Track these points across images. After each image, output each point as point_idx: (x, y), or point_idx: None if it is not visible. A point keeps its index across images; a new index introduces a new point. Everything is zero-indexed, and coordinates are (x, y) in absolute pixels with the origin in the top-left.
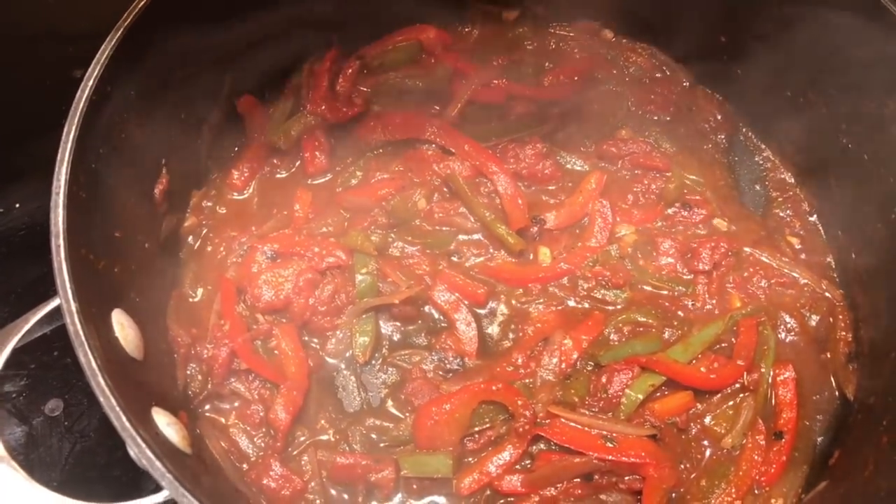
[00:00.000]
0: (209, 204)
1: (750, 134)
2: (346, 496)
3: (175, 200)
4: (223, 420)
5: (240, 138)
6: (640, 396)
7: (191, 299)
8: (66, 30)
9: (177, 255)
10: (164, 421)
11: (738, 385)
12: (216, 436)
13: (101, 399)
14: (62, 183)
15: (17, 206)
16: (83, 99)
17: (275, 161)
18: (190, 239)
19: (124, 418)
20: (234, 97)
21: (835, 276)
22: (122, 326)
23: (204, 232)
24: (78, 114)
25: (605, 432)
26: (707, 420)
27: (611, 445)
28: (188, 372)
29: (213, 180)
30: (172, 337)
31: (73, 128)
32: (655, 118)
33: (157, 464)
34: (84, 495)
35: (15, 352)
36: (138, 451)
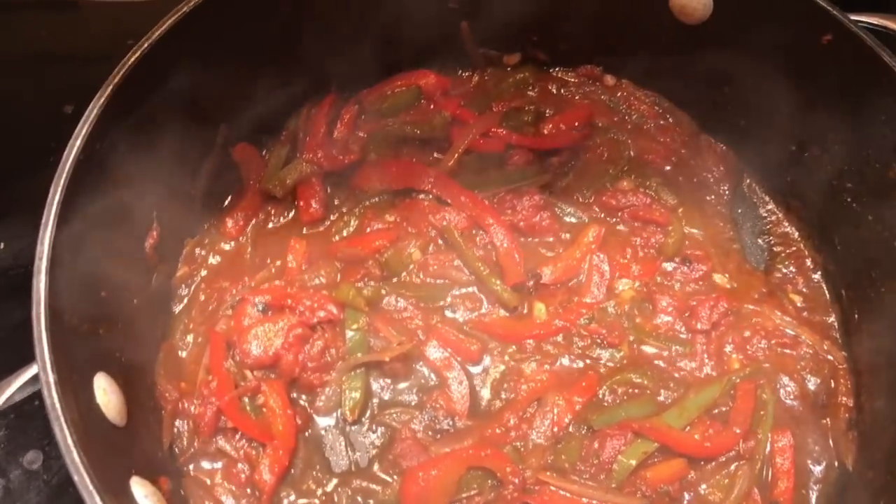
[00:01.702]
0: (202, 253)
1: (754, 186)
2: None
3: (166, 251)
4: (208, 480)
5: (234, 185)
6: (633, 463)
7: (180, 352)
8: (57, 60)
9: (167, 307)
10: (142, 492)
11: (733, 453)
12: (201, 496)
13: (76, 477)
14: (45, 248)
15: (2, 245)
16: (70, 159)
17: (270, 209)
18: (182, 289)
19: (97, 498)
20: (229, 145)
21: (837, 336)
22: (105, 392)
23: (196, 282)
24: (64, 175)
25: (595, 502)
26: (701, 489)
27: None
28: (175, 430)
29: (206, 229)
30: (160, 392)
31: (59, 190)
32: (657, 168)
33: None
34: None
35: None
36: None
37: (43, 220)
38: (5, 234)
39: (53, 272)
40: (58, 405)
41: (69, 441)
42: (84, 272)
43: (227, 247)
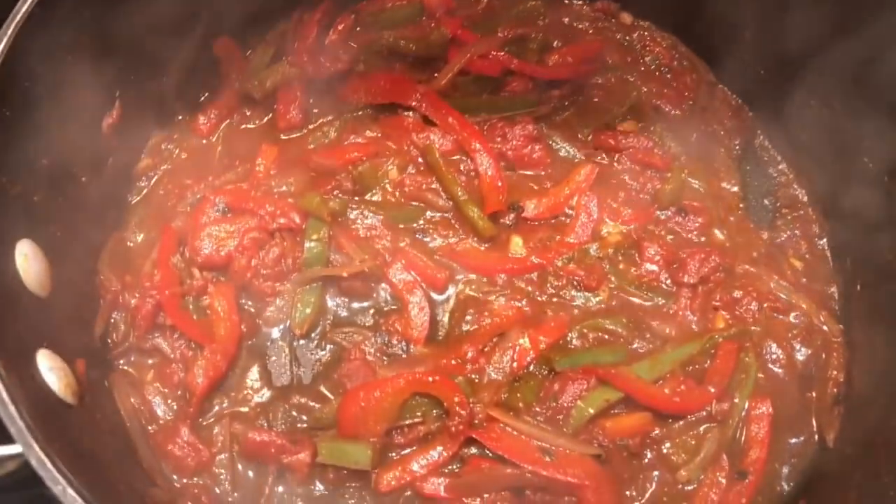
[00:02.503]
0: (169, 147)
1: (767, 143)
2: (254, 475)
3: (129, 138)
4: (139, 376)
5: (212, 82)
6: (592, 411)
7: (129, 244)
8: None
9: (123, 197)
10: (48, 365)
11: (704, 413)
12: (128, 391)
13: None
14: None
15: None
16: (23, 10)
17: (246, 111)
18: (142, 181)
19: None
20: (210, 37)
21: (836, 308)
22: (26, 258)
23: (158, 176)
24: (13, 25)
25: (545, 444)
26: (665, 447)
27: (548, 460)
28: (111, 320)
29: (177, 122)
30: (101, 281)
31: (5, 39)
32: (664, 114)
33: (11, 408)
34: None
35: None
36: None
37: None
38: None
39: None
40: None
41: None
42: (24, 132)
43: (196, 143)
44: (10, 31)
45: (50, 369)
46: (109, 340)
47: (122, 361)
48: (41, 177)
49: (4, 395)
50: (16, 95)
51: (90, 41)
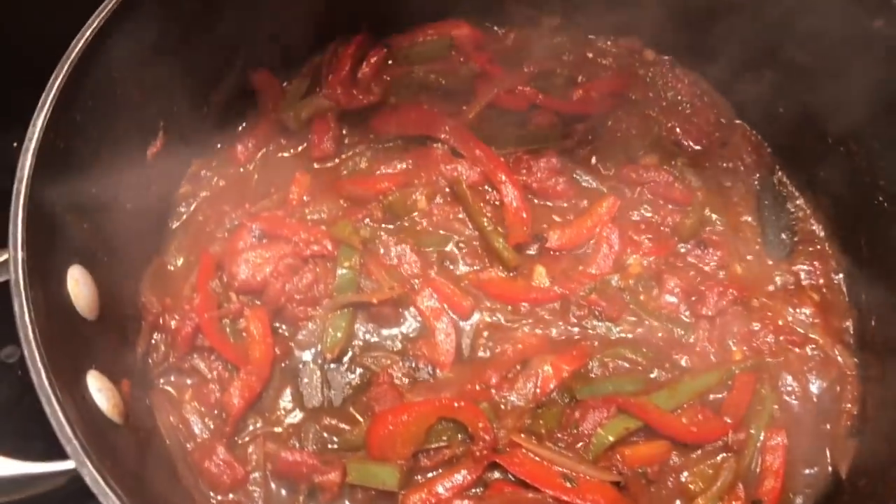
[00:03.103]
0: (207, 174)
1: (785, 179)
2: (286, 493)
3: (171, 166)
4: (178, 395)
5: (250, 112)
6: (612, 438)
7: (170, 268)
8: None
9: (164, 221)
10: (97, 385)
11: (721, 443)
12: (168, 410)
13: (25, 351)
14: (38, 129)
15: (15, 145)
16: (78, 46)
17: (282, 140)
18: (182, 207)
19: (44, 375)
20: (249, 69)
21: (851, 342)
22: (77, 283)
23: (197, 202)
24: (69, 61)
25: (566, 470)
26: (682, 476)
27: (570, 486)
28: (152, 340)
29: (216, 151)
30: (143, 303)
31: (62, 75)
32: (685, 149)
33: (66, 429)
34: (17, 449)
35: None
36: (51, 411)
37: (40, 101)
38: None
39: (43, 155)
40: (21, 282)
41: (26, 318)
42: (76, 163)
43: (233, 171)
44: (65, 68)
45: (99, 390)
46: (150, 360)
47: (162, 381)
48: (91, 204)
49: (60, 415)
50: (69, 128)
51: (139, 76)
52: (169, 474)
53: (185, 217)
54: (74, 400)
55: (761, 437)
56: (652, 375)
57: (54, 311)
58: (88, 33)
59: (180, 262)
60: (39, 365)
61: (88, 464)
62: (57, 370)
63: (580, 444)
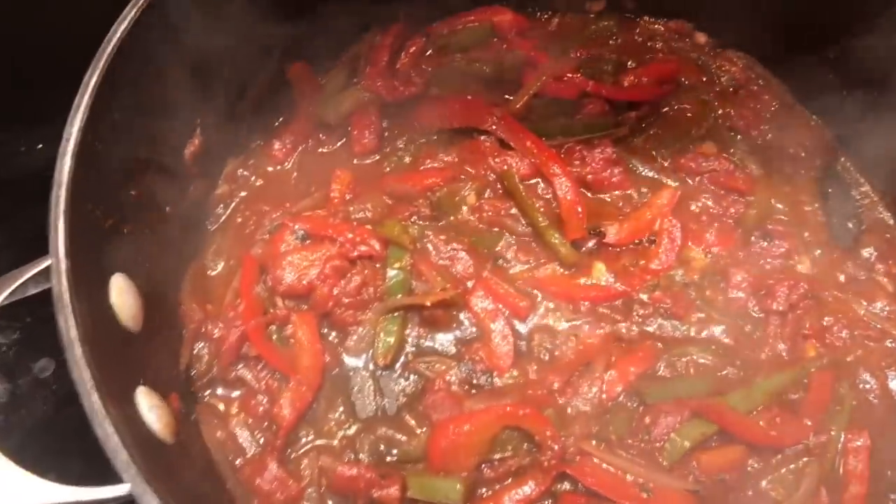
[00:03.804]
0: (245, 173)
1: (849, 164)
2: None
3: (208, 165)
4: (224, 408)
5: (286, 107)
6: (688, 444)
7: (210, 273)
8: None
9: (202, 224)
10: (147, 403)
11: (801, 446)
12: (214, 424)
13: (73, 371)
14: (75, 131)
15: (40, 146)
16: (112, 43)
17: (321, 136)
18: (220, 208)
19: (95, 396)
20: (285, 62)
21: None
22: (122, 292)
23: (235, 202)
24: (104, 58)
25: (641, 480)
26: (763, 483)
27: (646, 496)
28: (195, 351)
29: (252, 148)
30: (184, 311)
31: (97, 73)
32: (743, 135)
33: (123, 454)
34: (52, 469)
35: (11, 303)
36: (104, 435)
37: (75, 103)
38: (45, 136)
39: (81, 158)
40: (65, 294)
41: (72, 333)
42: (115, 165)
43: (271, 169)
44: (101, 64)
45: (150, 408)
46: (193, 372)
47: (207, 394)
48: (132, 209)
49: (116, 439)
50: (107, 128)
51: (174, 71)
52: (220, 493)
53: (223, 219)
54: (127, 421)
55: (842, 440)
56: (723, 374)
57: (100, 323)
58: (123, 27)
59: (220, 266)
60: (89, 385)
61: (149, 489)
62: (107, 389)
63: (653, 450)
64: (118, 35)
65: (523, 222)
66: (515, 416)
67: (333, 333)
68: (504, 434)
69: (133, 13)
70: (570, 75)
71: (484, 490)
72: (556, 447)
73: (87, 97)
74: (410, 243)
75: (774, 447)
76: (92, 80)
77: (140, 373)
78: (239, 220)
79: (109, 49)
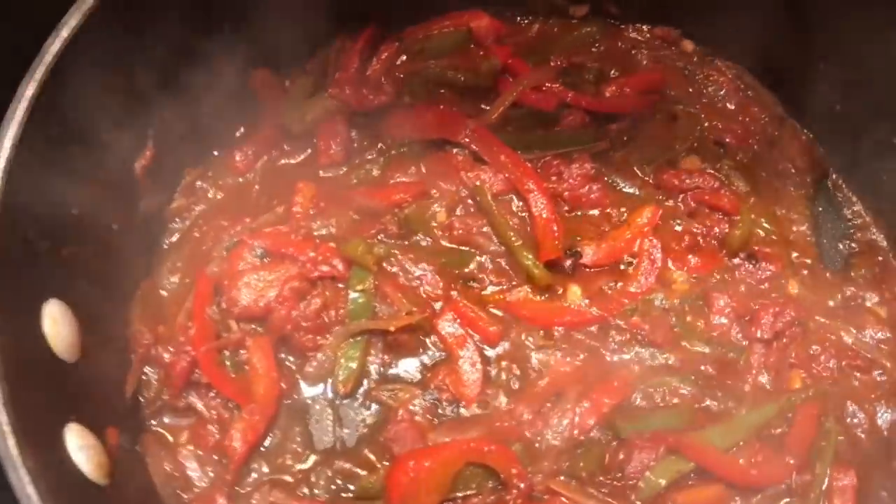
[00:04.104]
0: (203, 185)
1: (841, 183)
2: None
3: (162, 178)
4: (173, 438)
5: (249, 116)
6: (663, 482)
7: (163, 292)
8: None
9: (156, 239)
10: (76, 443)
11: (783, 486)
12: (161, 456)
13: None
14: (7, 146)
15: None
16: (51, 50)
17: (285, 146)
18: (175, 223)
19: (11, 441)
20: (247, 68)
21: None
22: (54, 322)
23: (192, 217)
24: (42, 67)
25: None
26: None
27: None
28: (143, 378)
29: (212, 159)
30: (132, 334)
31: (35, 82)
32: (730, 150)
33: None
34: None
35: None
36: (18, 483)
37: (7, 114)
38: None
39: (14, 173)
40: None
41: None
42: (53, 182)
43: (231, 182)
44: (37, 74)
45: (80, 448)
46: (141, 398)
47: (154, 422)
48: (71, 229)
49: (30, 490)
50: (44, 143)
51: (119, 78)
52: None
53: (178, 234)
54: (48, 466)
55: (827, 478)
56: (703, 404)
57: (27, 357)
58: (63, 33)
59: (174, 284)
60: (6, 428)
61: None
62: (29, 432)
63: (626, 488)
64: (58, 41)
65: (496, 241)
66: (480, 453)
67: (291, 359)
68: (468, 470)
69: (74, 19)
70: (549, 85)
71: None
72: (522, 485)
73: (21, 110)
74: (375, 264)
75: (755, 487)
76: (27, 91)
77: (72, 408)
78: (196, 235)
79: (48, 56)
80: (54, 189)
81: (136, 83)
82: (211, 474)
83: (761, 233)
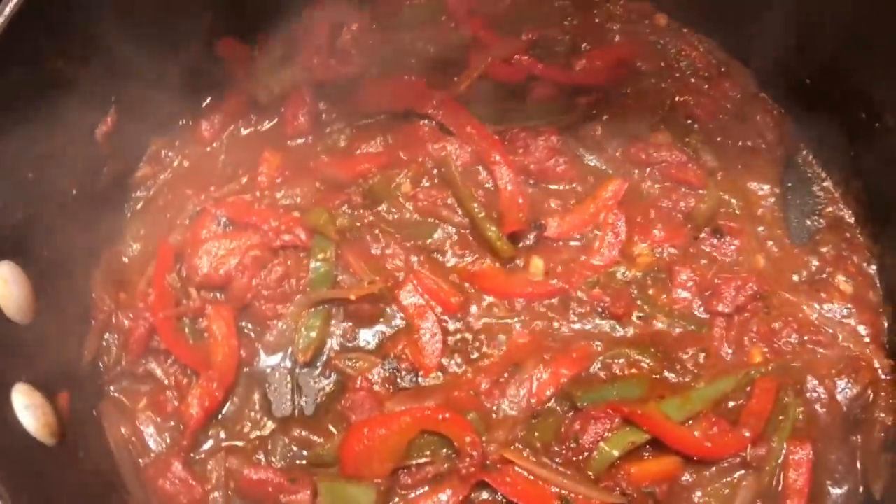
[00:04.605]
0: (170, 154)
1: (810, 158)
2: None
3: (126, 145)
4: (130, 404)
5: (216, 85)
6: (616, 453)
7: (125, 259)
8: None
9: (119, 207)
10: (23, 402)
11: (738, 459)
12: (118, 420)
13: None
14: None
15: None
16: (5, 12)
17: (251, 116)
18: (140, 191)
19: None
20: (214, 36)
21: (885, 342)
22: (6, 282)
23: (157, 185)
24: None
25: (564, 491)
26: (695, 496)
27: None
28: (103, 343)
29: (179, 128)
30: (94, 300)
31: None
32: (701, 124)
33: None
34: None
35: None
36: None
37: None
38: None
39: None
40: None
41: None
42: (7, 145)
43: (198, 151)
44: None
45: (26, 408)
46: (101, 364)
47: (112, 388)
48: (25, 193)
49: None
50: None
51: (81, 43)
52: (115, 494)
53: (142, 202)
54: None
55: (783, 452)
56: (660, 377)
57: None
58: None
59: (136, 251)
60: None
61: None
62: None
63: (580, 459)
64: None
65: (460, 213)
66: (434, 421)
67: (251, 327)
68: (422, 439)
69: None
70: (518, 57)
71: (398, 498)
72: (475, 454)
73: None
74: (337, 233)
75: (710, 459)
76: None
77: (22, 369)
78: (160, 203)
79: (3, 17)
80: (6, 152)
81: (96, 47)
82: (168, 440)
83: (727, 207)
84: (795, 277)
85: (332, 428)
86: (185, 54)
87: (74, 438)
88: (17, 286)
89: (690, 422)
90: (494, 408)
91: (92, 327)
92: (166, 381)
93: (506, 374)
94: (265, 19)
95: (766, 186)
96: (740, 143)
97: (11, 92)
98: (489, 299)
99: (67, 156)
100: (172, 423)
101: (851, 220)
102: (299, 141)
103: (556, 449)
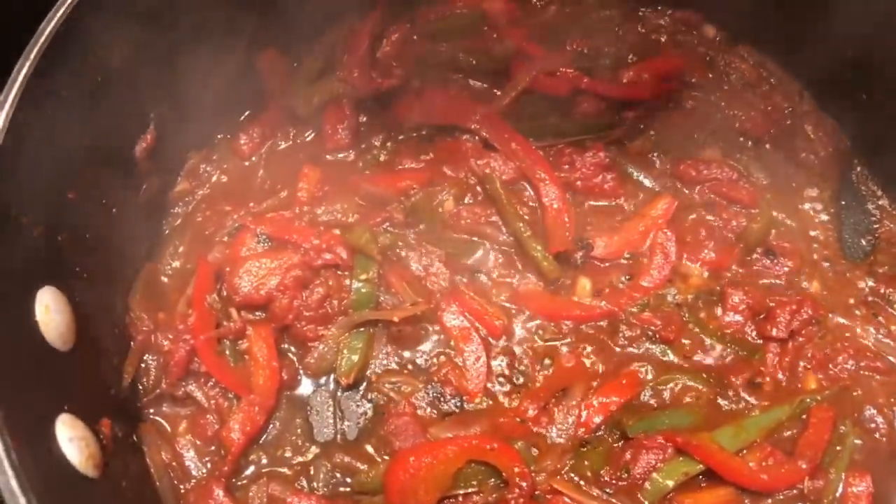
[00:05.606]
0: (207, 169)
1: (865, 174)
2: None
3: (164, 161)
4: (171, 428)
5: (255, 98)
6: (670, 484)
7: (163, 278)
8: None
9: (157, 224)
10: (67, 435)
11: (795, 491)
12: (158, 445)
13: None
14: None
15: None
16: (49, 27)
17: (291, 130)
18: (178, 207)
19: None
20: (253, 50)
21: None
22: (48, 309)
23: (195, 201)
24: (39, 45)
25: None
26: None
27: None
28: (142, 365)
29: (217, 142)
30: (132, 320)
31: (30, 61)
32: (751, 140)
33: (20, 500)
34: None
35: None
36: (2, 478)
37: (3, 94)
38: None
39: (5, 157)
40: None
41: None
42: (49, 164)
43: (236, 165)
44: (34, 52)
45: (70, 440)
46: (140, 386)
47: (152, 411)
48: (67, 214)
49: (14, 483)
50: (40, 123)
51: (122, 59)
52: None
53: (181, 219)
54: (36, 457)
55: (841, 484)
56: (713, 405)
57: (17, 346)
58: (62, 10)
59: (175, 269)
60: None
61: None
62: (18, 425)
63: (632, 489)
64: (56, 18)
65: (505, 231)
66: (482, 451)
67: (292, 349)
68: (469, 468)
69: None
70: (563, 70)
71: None
72: (524, 484)
73: (16, 89)
74: (379, 253)
75: (765, 491)
76: (23, 70)
77: (64, 398)
78: (199, 219)
79: (46, 34)
80: (50, 172)
81: (136, 61)
82: (209, 465)
83: (780, 226)
84: (851, 300)
85: (374, 453)
86: (224, 67)
87: (116, 468)
88: (59, 312)
89: (745, 451)
90: (542, 435)
91: (132, 348)
92: (206, 405)
93: (553, 400)
94: (305, 31)
95: (820, 205)
96: (793, 159)
97: (52, 108)
98: (535, 321)
99: (108, 176)
100: (213, 448)
101: None
102: (339, 155)
103: (606, 479)
